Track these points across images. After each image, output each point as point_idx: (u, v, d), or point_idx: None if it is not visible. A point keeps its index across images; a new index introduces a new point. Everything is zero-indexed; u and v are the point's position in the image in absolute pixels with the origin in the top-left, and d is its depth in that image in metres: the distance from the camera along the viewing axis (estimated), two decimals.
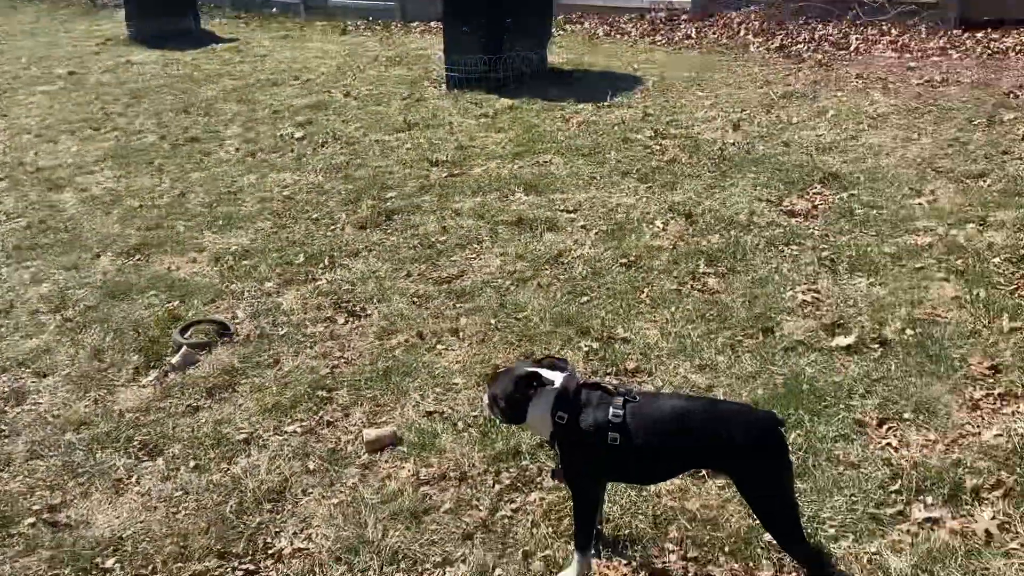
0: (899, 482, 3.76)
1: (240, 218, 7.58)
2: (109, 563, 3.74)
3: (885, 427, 4.14)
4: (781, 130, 8.55)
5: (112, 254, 7.00)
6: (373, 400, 4.76)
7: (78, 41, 17.13)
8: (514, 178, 7.91)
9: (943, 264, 5.60)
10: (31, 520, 4.02)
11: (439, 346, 5.25)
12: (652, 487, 3.80)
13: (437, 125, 9.83)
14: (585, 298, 5.65)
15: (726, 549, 3.51)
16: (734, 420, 3.19)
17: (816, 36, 12.46)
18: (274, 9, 19.15)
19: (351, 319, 5.70)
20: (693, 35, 13.55)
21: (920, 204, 6.56)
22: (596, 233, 6.60)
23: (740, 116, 9.06)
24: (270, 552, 3.75)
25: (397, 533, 3.74)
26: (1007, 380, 4.37)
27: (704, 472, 3.82)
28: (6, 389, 5.14)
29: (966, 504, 3.62)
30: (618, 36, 14.35)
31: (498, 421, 3.70)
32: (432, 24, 15.72)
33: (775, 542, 3.34)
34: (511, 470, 4.08)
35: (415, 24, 16.61)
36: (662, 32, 14.01)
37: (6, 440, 4.66)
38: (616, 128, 9.08)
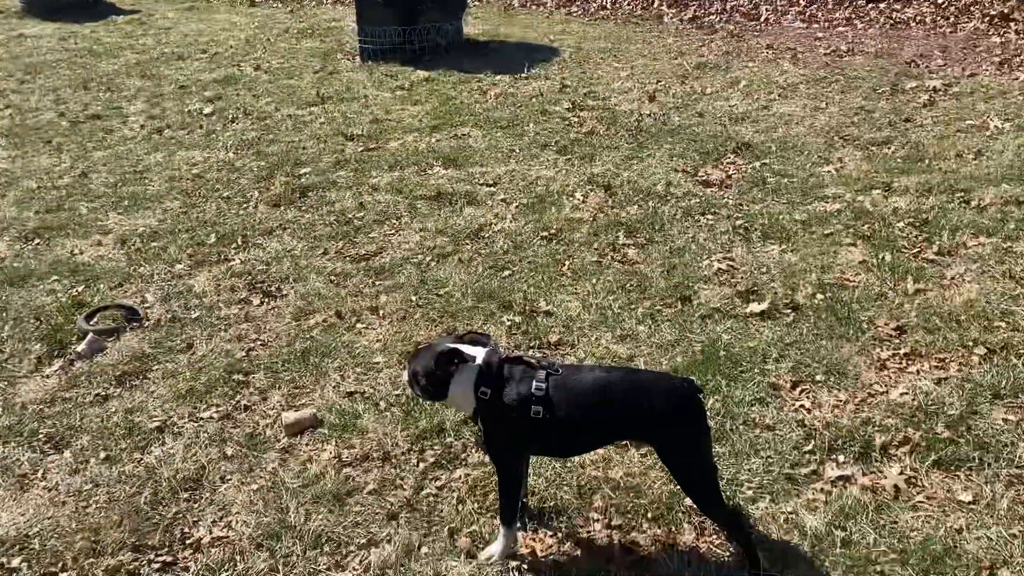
0: (812, 442, 3.88)
1: (147, 198, 7.29)
2: (15, 562, 3.58)
3: (798, 389, 4.26)
4: (695, 101, 8.66)
5: (9, 238, 6.65)
6: (291, 382, 4.66)
7: None
8: (432, 152, 7.82)
9: (851, 230, 5.77)
10: None
11: (359, 325, 5.17)
12: (576, 458, 3.83)
13: (351, 99, 9.63)
14: (507, 272, 5.63)
15: (649, 515, 3.57)
16: (654, 389, 3.22)
17: (728, 7, 12.64)
18: None
19: (266, 300, 5.55)
20: (608, 6, 13.58)
21: (829, 172, 6.74)
22: (516, 207, 6.58)
23: (655, 87, 9.14)
24: (188, 542, 3.64)
25: (320, 516, 3.68)
26: (912, 340, 4.54)
27: (627, 441, 3.86)
28: None
29: (876, 461, 3.75)
30: (534, 7, 14.28)
31: (420, 399, 3.66)
32: None
33: (696, 507, 3.41)
34: (435, 448, 4.05)
35: None
36: (578, 3, 14.00)
37: None
38: (534, 100, 9.05)
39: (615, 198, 6.58)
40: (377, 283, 5.64)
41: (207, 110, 9.57)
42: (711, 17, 12.29)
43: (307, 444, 4.17)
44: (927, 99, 8.09)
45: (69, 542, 3.65)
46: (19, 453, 4.24)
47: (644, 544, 3.44)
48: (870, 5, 11.98)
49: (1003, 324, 4.59)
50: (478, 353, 3.26)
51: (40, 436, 4.36)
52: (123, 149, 8.56)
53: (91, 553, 3.59)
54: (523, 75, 9.97)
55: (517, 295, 5.30)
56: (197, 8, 15.85)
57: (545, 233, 6.10)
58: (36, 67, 11.86)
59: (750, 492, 3.64)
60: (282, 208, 6.89)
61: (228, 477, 4.00)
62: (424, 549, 3.48)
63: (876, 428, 3.92)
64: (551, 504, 3.66)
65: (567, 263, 5.67)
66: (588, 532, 3.53)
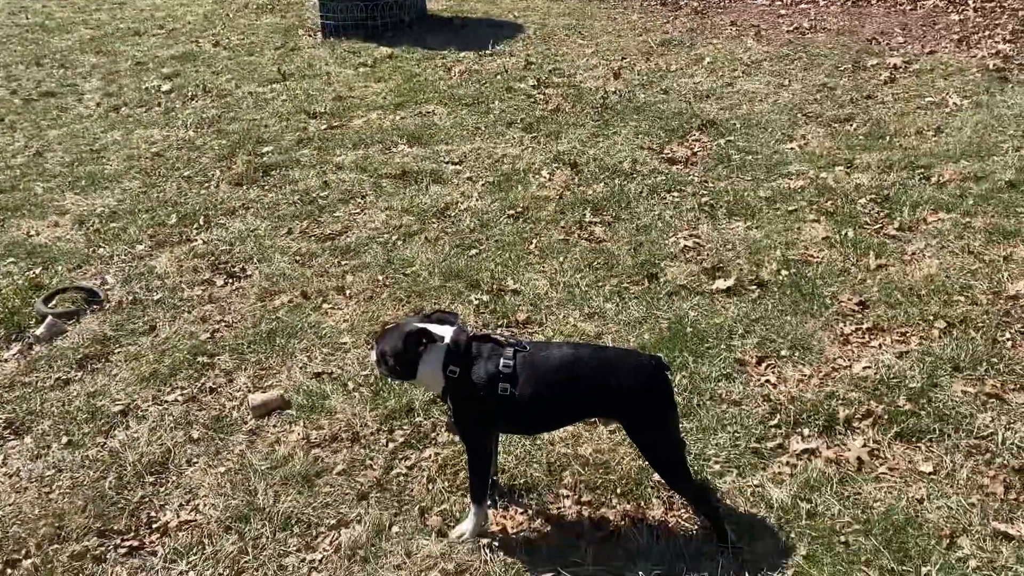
0: (778, 417, 3.93)
1: (105, 177, 7.13)
2: None
3: (764, 365, 4.31)
4: (660, 78, 8.67)
5: None
6: (258, 364, 4.61)
7: None
8: (396, 129, 7.74)
9: (814, 206, 5.83)
10: None
11: (325, 305, 5.12)
12: (546, 436, 3.84)
13: (314, 75, 9.49)
14: (474, 251, 5.61)
15: (618, 491, 3.60)
16: (621, 366, 3.24)
17: None
18: None
19: (230, 281, 5.48)
20: None
21: (792, 148, 6.79)
22: (483, 185, 6.55)
23: (621, 64, 9.12)
24: (155, 526, 3.61)
25: (289, 498, 3.66)
26: (874, 315, 4.61)
27: (595, 418, 3.88)
28: None
29: (839, 434, 3.82)
30: None
31: (388, 378, 3.64)
32: None
33: (664, 482, 3.44)
34: (404, 427, 4.05)
35: None
36: None
37: None
38: (499, 77, 8.99)
39: (581, 176, 6.58)
40: (343, 263, 5.59)
41: (165, 87, 9.37)
42: None
43: (275, 426, 4.14)
44: (888, 76, 8.18)
45: (32, 528, 3.59)
46: None
47: (613, 519, 3.47)
48: None
49: (962, 298, 4.68)
50: (446, 332, 3.25)
51: None
52: (79, 127, 8.36)
53: (55, 539, 3.54)
54: (487, 52, 9.89)
55: (484, 274, 5.29)
56: None
57: (512, 211, 6.08)
58: None
59: (717, 466, 3.69)
60: (244, 187, 6.79)
61: (195, 460, 3.96)
62: (395, 528, 3.48)
63: (840, 402, 3.98)
64: (521, 481, 3.68)
65: (534, 241, 5.66)
66: (558, 508, 3.55)
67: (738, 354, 4.38)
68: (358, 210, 6.32)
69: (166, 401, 4.36)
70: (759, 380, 4.20)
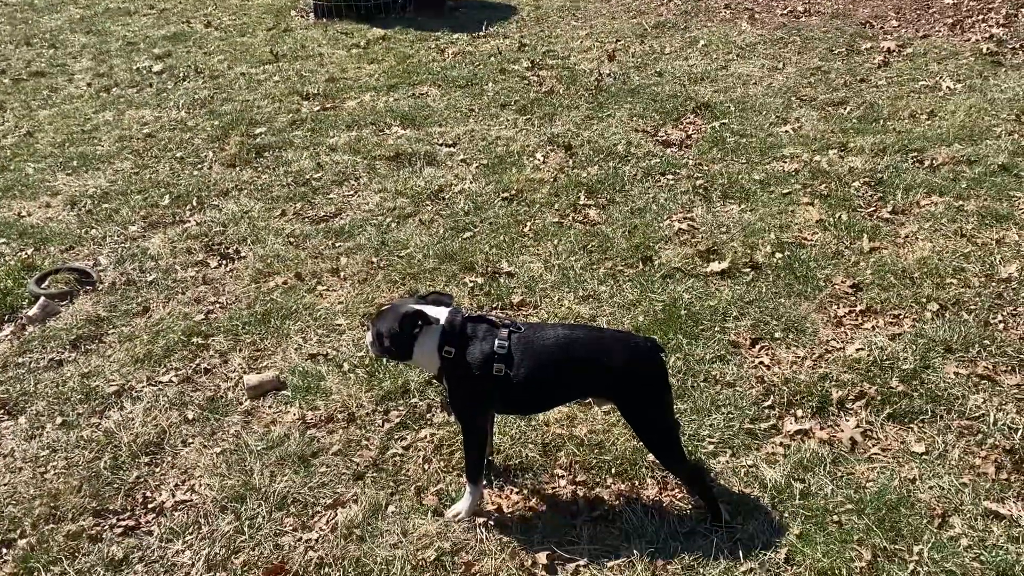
0: (771, 398, 3.95)
1: (97, 158, 7.08)
2: None
3: (758, 347, 4.33)
4: (655, 60, 8.64)
5: None
6: (253, 345, 4.60)
7: None
8: (390, 111, 7.70)
9: (808, 189, 5.84)
10: None
11: (319, 287, 5.11)
12: (540, 416, 3.86)
13: (306, 56, 9.43)
14: (468, 233, 5.61)
15: (613, 471, 3.62)
16: (616, 348, 3.25)
17: None
18: None
19: (224, 262, 5.46)
20: None
21: (786, 131, 6.79)
22: (476, 167, 6.53)
23: (615, 46, 9.09)
24: (151, 506, 3.61)
25: (285, 478, 3.67)
26: (867, 297, 4.63)
27: (589, 399, 3.90)
28: None
29: (833, 415, 3.84)
30: None
31: (383, 359, 3.65)
32: None
33: (658, 462, 3.46)
34: (400, 408, 4.05)
35: None
36: None
37: None
38: (493, 59, 8.95)
39: (575, 158, 6.57)
40: (337, 244, 5.57)
41: (157, 68, 9.29)
42: None
43: (270, 407, 4.14)
44: (882, 60, 8.17)
45: (27, 508, 3.59)
46: None
47: (608, 499, 3.49)
48: None
49: (955, 281, 4.70)
50: (441, 314, 3.25)
51: None
52: (70, 108, 8.29)
53: (51, 519, 3.54)
54: (481, 33, 9.84)
55: (479, 256, 5.28)
56: None
57: (506, 194, 6.07)
58: None
59: (711, 447, 3.71)
60: (238, 168, 6.75)
61: (190, 441, 3.96)
62: (391, 508, 3.50)
63: (833, 383, 4.01)
64: (516, 462, 3.69)
65: (528, 224, 5.66)
66: (553, 488, 3.57)
67: (732, 336, 4.40)
68: (352, 192, 6.30)
69: (160, 382, 4.36)
70: (753, 362, 4.21)
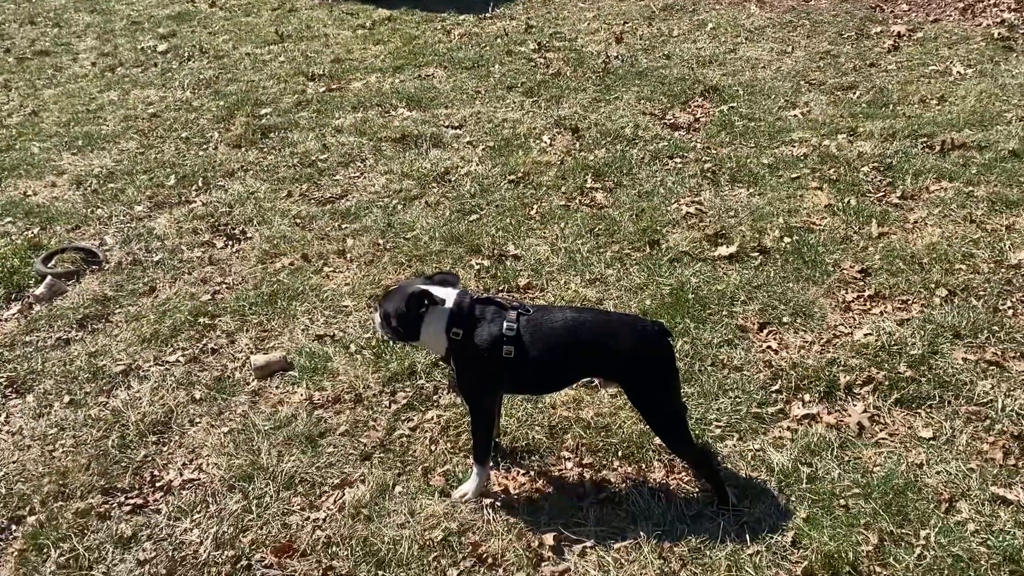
0: (779, 382, 3.95)
1: (102, 138, 7.07)
2: None
3: (765, 331, 4.32)
4: (663, 43, 8.59)
5: None
6: (259, 325, 4.60)
7: None
8: (396, 92, 7.67)
9: (817, 174, 5.81)
10: None
11: (326, 268, 5.11)
12: (547, 398, 3.86)
13: (312, 37, 9.38)
14: (474, 216, 5.59)
15: (620, 454, 3.62)
16: (623, 331, 3.24)
17: None
18: None
19: (231, 242, 5.46)
20: None
21: (795, 116, 6.75)
22: (483, 149, 6.50)
23: (622, 28, 9.02)
24: (158, 485, 3.62)
25: (293, 458, 3.68)
26: (876, 282, 4.62)
27: (596, 382, 3.90)
28: None
29: (840, 400, 3.84)
30: None
31: (391, 340, 3.64)
32: None
33: (665, 445, 3.46)
34: (407, 390, 4.05)
35: None
36: None
37: None
38: (499, 40, 8.90)
39: (583, 141, 6.54)
40: (343, 226, 5.56)
41: (161, 47, 9.26)
42: None
43: (277, 387, 4.14)
44: (892, 44, 8.11)
45: (36, 486, 3.60)
46: None
47: (615, 482, 3.50)
48: None
49: (964, 267, 4.68)
50: (449, 294, 3.25)
51: (1, 380, 4.28)
52: (74, 87, 8.27)
53: (60, 496, 3.55)
54: (487, 15, 9.78)
55: (485, 239, 5.27)
56: None
57: (512, 176, 6.05)
58: None
59: (718, 431, 3.71)
60: (243, 149, 6.74)
61: (197, 420, 3.96)
62: (398, 488, 3.50)
63: (841, 368, 4.00)
64: (523, 444, 3.70)
65: (535, 207, 5.64)
66: (560, 471, 3.58)
67: (740, 320, 4.39)
68: (357, 174, 6.28)
69: (167, 362, 4.36)
70: (761, 346, 4.21)
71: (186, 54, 9.01)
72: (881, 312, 4.40)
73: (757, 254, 4.94)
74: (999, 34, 8.11)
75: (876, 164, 5.85)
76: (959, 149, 5.94)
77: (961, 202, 5.30)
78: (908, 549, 3.10)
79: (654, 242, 5.13)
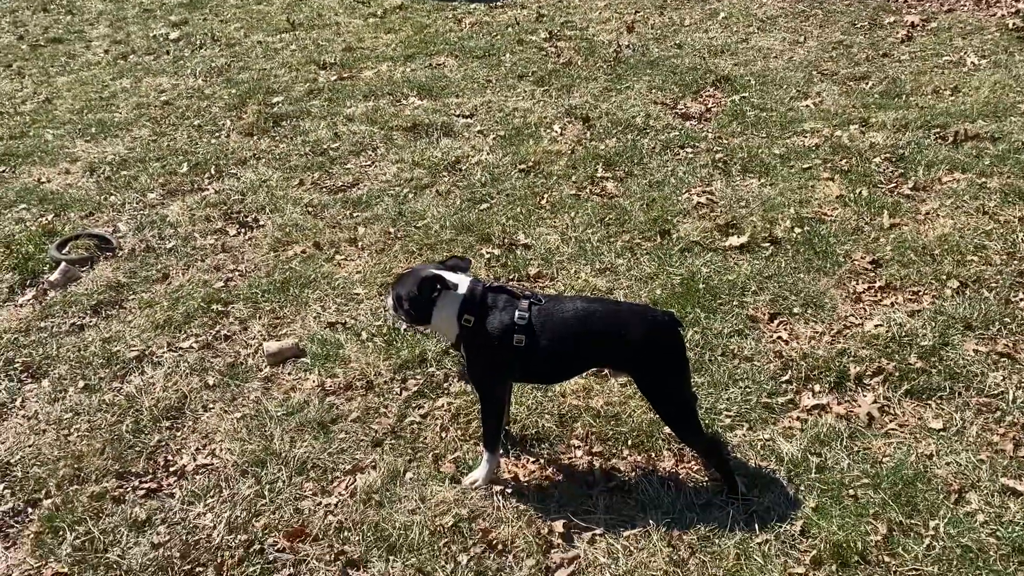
0: (789, 373, 3.95)
1: (115, 125, 7.10)
2: None
3: (776, 321, 4.32)
4: (674, 32, 8.56)
5: None
6: (272, 313, 4.63)
7: None
8: (407, 81, 7.67)
9: (828, 164, 5.79)
10: None
11: (337, 256, 5.13)
12: (557, 387, 3.88)
13: (323, 25, 9.39)
14: (485, 205, 5.60)
15: (629, 443, 3.63)
16: (634, 321, 3.25)
17: None
18: None
19: (243, 230, 5.48)
20: None
21: (807, 106, 6.73)
22: (494, 138, 6.51)
23: (634, 18, 9.00)
24: (172, 470, 3.66)
25: (305, 444, 3.71)
26: (887, 274, 4.61)
27: (606, 371, 3.91)
28: None
29: (850, 390, 3.84)
30: None
31: (402, 323, 3.66)
32: None
33: (674, 435, 3.47)
34: (418, 377, 4.08)
35: None
36: None
37: None
38: (510, 29, 8.89)
39: (593, 130, 6.53)
40: (355, 215, 5.58)
41: (173, 35, 9.28)
42: None
43: (290, 373, 4.17)
44: (905, 34, 8.06)
45: (52, 469, 3.64)
46: None
47: (624, 470, 3.51)
48: None
49: (975, 258, 4.67)
50: (461, 281, 3.26)
51: (16, 365, 4.32)
52: (87, 74, 8.30)
53: (75, 480, 3.59)
54: (498, 3, 9.76)
55: (496, 228, 5.28)
56: None
57: (523, 165, 6.05)
58: None
59: (728, 420, 3.72)
60: (256, 137, 6.76)
61: (211, 406, 4.00)
62: (409, 475, 3.53)
63: (851, 359, 4.00)
64: (533, 432, 3.72)
65: (545, 196, 5.65)
66: (569, 459, 3.60)
67: (750, 311, 4.39)
68: (369, 162, 6.30)
69: (181, 348, 4.40)
70: (771, 336, 4.21)
71: (198, 42, 9.03)
72: (892, 303, 4.39)
73: (768, 244, 4.94)
74: (1014, 24, 8.05)
75: (888, 155, 5.83)
76: (972, 140, 5.91)
77: (974, 193, 5.28)
78: (917, 539, 3.11)
79: (665, 232, 5.13)
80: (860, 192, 5.39)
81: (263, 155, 6.45)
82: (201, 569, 3.17)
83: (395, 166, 6.18)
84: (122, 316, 4.69)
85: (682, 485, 3.43)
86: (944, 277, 4.52)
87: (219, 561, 3.19)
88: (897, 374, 3.88)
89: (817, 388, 3.87)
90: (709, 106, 6.88)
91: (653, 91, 7.15)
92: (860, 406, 3.74)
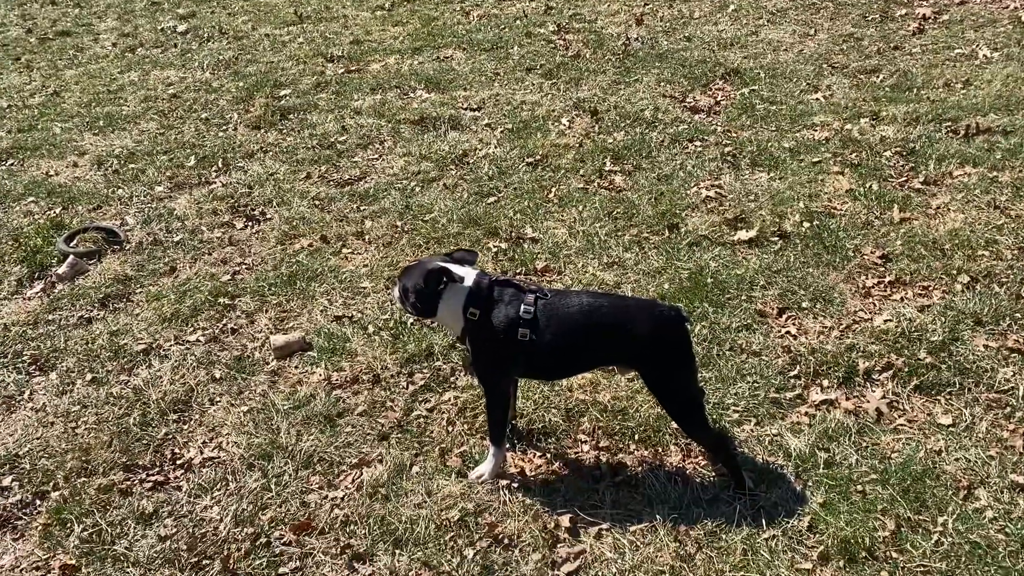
0: (798, 368, 3.93)
1: (123, 118, 7.11)
2: (6, 481, 3.59)
3: (785, 316, 4.30)
4: (683, 25, 8.51)
5: None
6: (279, 306, 4.63)
7: None
8: (414, 74, 7.66)
9: (838, 158, 5.75)
10: None
11: (344, 250, 5.12)
12: (564, 382, 3.86)
13: (331, 18, 9.37)
14: (492, 198, 5.58)
15: (636, 438, 3.62)
16: (641, 316, 3.24)
17: None
18: None
19: (250, 224, 5.48)
20: None
21: (817, 99, 6.68)
22: (501, 132, 6.49)
23: (643, 10, 8.96)
24: (179, 463, 3.66)
25: (311, 437, 3.71)
26: (897, 268, 4.58)
27: (612, 368, 3.90)
28: None
29: (859, 386, 3.82)
30: None
31: (409, 315, 3.65)
32: None
33: (681, 431, 3.46)
34: (424, 371, 4.07)
35: None
36: None
37: None
38: (518, 22, 8.85)
39: (602, 124, 6.50)
40: (362, 208, 5.57)
41: (181, 28, 9.28)
42: None
43: (296, 367, 4.17)
44: (917, 27, 8.00)
45: (60, 461, 3.65)
46: (4, 375, 4.22)
47: (631, 465, 3.50)
48: None
49: (986, 253, 4.63)
50: (468, 273, 3.25)
51: (24, 358, 4.34)
52: (95, 67, 8.31)
53: (82, 472, 3.60)
54: None
55: (503, 221, 5.27)
56: None
57: (530, 159, 6.03)
58: None
59: (736, 415, 3.70)
60: (263, 130, 6.75)
61: (217, 399, 4.00)
62: (415, 469, 3.53)
63: (860, 354, 3.97)
64: (540, 426, 3.71)
65: (553, 189, 5.63)
66: (576, 453, 3.59)
67: (759, 305, 4.37)
68: (376, 156, 6.29)
69: (188, 341, 4.40)
70: (779, 331, 4.19)
71: (206, 35, 9.03)
72: (902, 298, 4.36)
73: (777, 239, 4.91)
74: None
75: (899, 149, 5.78)
76: (984, 134, 5.86)
77: (985, 188, 5.24)
78: (925, 535, 3.09)
79: (673, 226, 5.11)
80: (870, 186, 5.35)
81: (270, 148, 6.44)
82: (208, 562, 3.18)
83: (402, 159, 6.17)
84: (129, 309, 4.69)
85: (689, 480, 3.41)
86: (954, 272, 4.49)
87: (225, 554, 3.19)
88: (906, 369, 3.85)
89: (825, 383, 3.85)
90: (718, 99, 6.84)
91: (662, 84, 7.12)
92: (869, 401, 3.71)
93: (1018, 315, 4.14)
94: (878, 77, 7.01)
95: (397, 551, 3.18)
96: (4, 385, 4.15)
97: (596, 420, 3.72)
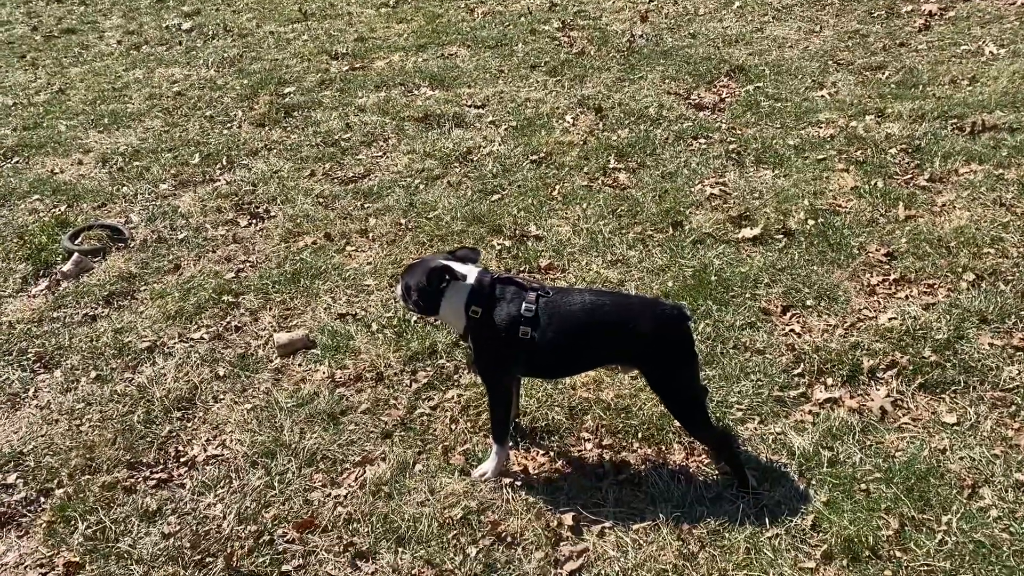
0: (802, 366, 3.92)
1: (127, 116, 7.12)
2: (11, 479, 3.60)
3: (789, 314, 4.29)
4: (688, 21, 8.49)
5: None
6: (283, 304, 4.64)
7: None
8: (419, 71, 7.65)
9: (843, 155, 5.73)
10: None
11: (348, 247, 5.13)
12: (567, 380, 3.86)
13: (335, 16, 9.37)
14: (496, 196, 5.58)
15: (639, 436, 3.61)
16: (643, 314, 3.23)
17: None
18: None
19: (254, 221, 5.49)
20: None
21: (822, 96, 6.66)
22: (505, 129, 6.48)
23: (648, 7, 8.93)
24: (183, 460, 3.67)
25: (315, 435, 3.71)
26: (902, 266, 4.56)
27: (615, 366, 3.89)
28: None
29: (863, 384, 3.81)
30: None
31: (411, 313, 3.65)
32: None
33: (684, 429, 3.45)
34: (427, 369, 4.07)
35: None
36: None
37: None
38: (523, 19, 8.84)
39: (606, 121, 6.49)
40: (366, 205, 5.57)
41: (186, 25, 9.29)
42: None
43: (300, 365, 4.18)
44: (923, 23, 7.96)
45: (64, 459, 3.67)
46: (9, 372, 4.24)
47: (634, 463, 3.50)
48: None
49: (992, 251, 4.61)
50: (470, 272, 3.25)
51: (29, 355, 4.35)
52: (100, 65, 8.32)
53: (86, 469, 3.61)
54: None
55: (507, 219, 5.26)
56: None
57: (535, 156, 6.03)
58: None
59: (739, 414, 3.70)
60: (267, 128, 6.76)
61: (221, 397, 4.01)
62: (418, 466, 3.53)
63: (864, 352, 3.96)
64: (543, 424, 3.71)
65: (557, 187, 5.62)
66: (579, 451, 3.58)
67: (763, 303, 4.36)
68: (380, 153, 6.29)
69: (192, 338, 4.41)
70: (784, 329, 4.18)
71: (210, 32, 9.04)
72: (906, 296, 4.35)
73: (781, 236, 4.89)
74: None
75: (904, 146, 5.76)
76: (990, 131, 5.84)
77: (991, 185, 5.21)
78: (929, 534, 3.09)
79: (677, 223, 5.10)
80: (875, 183, 5.33)
81: (274, 146, 6.45)
82: (211, 559, 3.19)
83: (406, 157, 6.17)
84: (134, 307, 4.70)
85: (692, 478, 3.41)
86: (960, 270, 4.47)
87: (229, 551, 3.20)
88: (911, 367, 3.84)
89: (829, 381, 3.84)
90: (723, 96, 6.82)
91: (666, 81, 7.10)
92: (873, 400, 3.70)
93: (1023, 313, 4.12)
94: (884, 74, 6.98)
95: (400, 549, 3.18)
96: (9, 383, 4.17)
97: (599, 418, 3.71)
